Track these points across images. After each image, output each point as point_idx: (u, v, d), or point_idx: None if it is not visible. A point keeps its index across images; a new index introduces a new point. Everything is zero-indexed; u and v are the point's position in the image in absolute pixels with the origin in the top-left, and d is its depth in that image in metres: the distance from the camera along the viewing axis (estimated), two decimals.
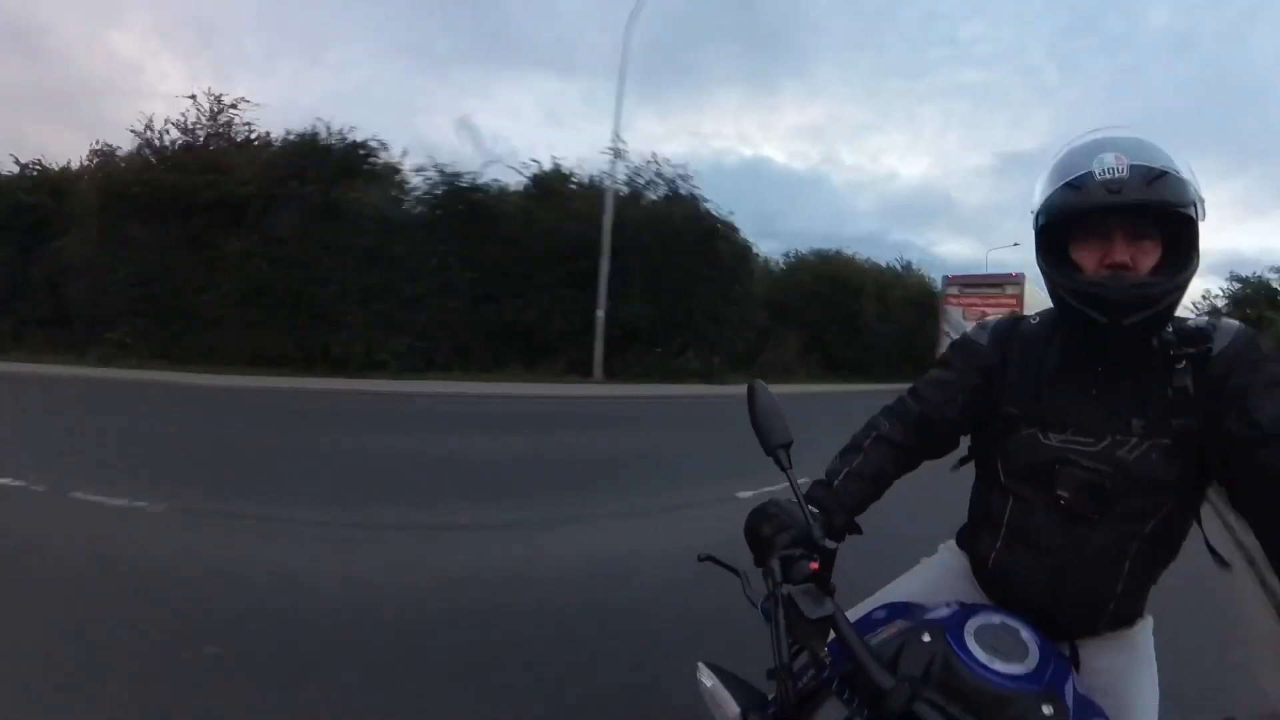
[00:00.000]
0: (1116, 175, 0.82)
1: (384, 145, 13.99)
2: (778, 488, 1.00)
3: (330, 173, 12.68)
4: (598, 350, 13.18)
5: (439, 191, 13.81)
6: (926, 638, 0.81)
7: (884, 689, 0.72)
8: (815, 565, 0.82)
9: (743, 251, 17.01)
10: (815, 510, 0.92)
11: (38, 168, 16.04)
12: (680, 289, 14.46)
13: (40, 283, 14.16)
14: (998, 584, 1.07)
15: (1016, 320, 1.07)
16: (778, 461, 0.92)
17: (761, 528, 0.88)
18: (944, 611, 0.89)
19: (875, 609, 1.05)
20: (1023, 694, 0.73)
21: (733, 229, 16.16)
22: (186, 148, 13.88)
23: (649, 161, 15.53)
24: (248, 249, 12.35)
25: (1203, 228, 0.86)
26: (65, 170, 16.16)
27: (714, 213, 15.62)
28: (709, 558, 0.99)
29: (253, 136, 14.59)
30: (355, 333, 12.50)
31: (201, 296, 12.56)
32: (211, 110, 14.46)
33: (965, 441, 1.15)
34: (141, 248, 12.85)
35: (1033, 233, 0.94)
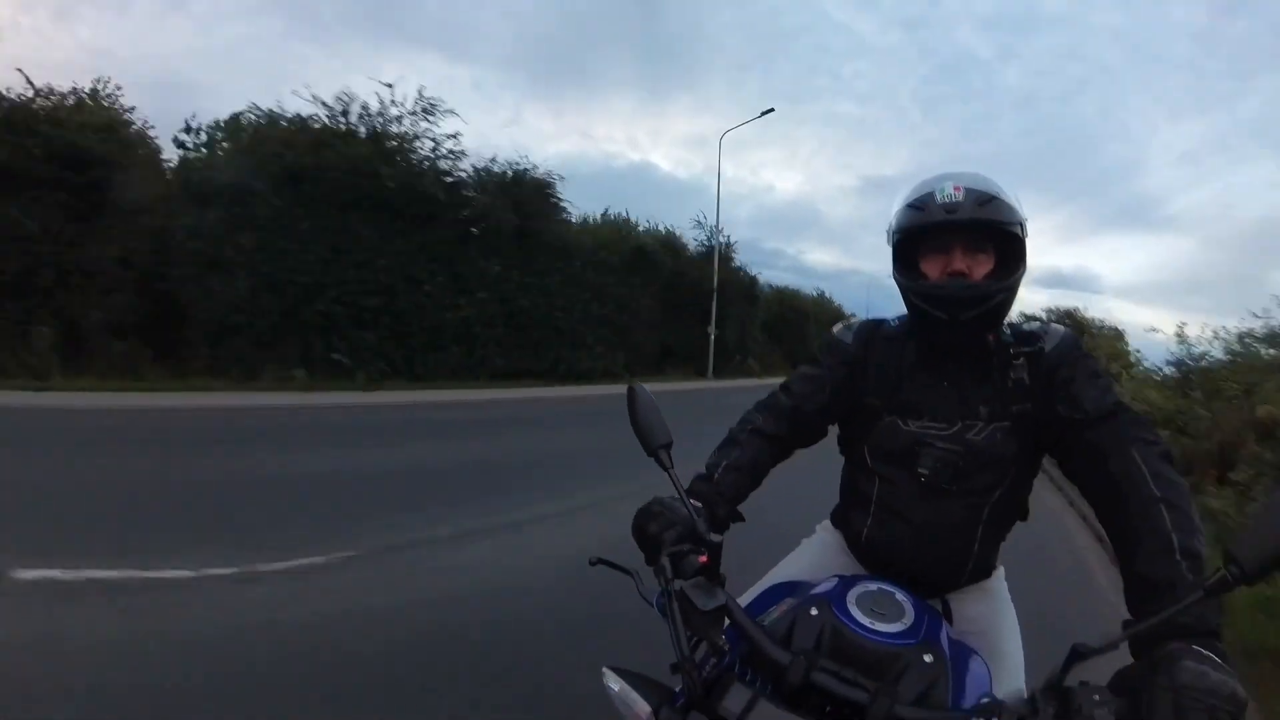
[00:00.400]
0: (954, 199, 0.97)
1: (561, 179, 15.22)
2: None
3: (534, 206, 14.29)
4: (710, 358, 19.75)
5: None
6: (814, 611, 0.85)
7: (782, 665, 0.76)
8: (703, 558, 0.84)
9: (752, 285, 23.90)
10: (699, 505, 0.96)
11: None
12: (735, 317, 21.54)
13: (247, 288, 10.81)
14: (872, 555, 1.17)
15: (878, 322, 1.19)
16: (659, 461, 0.94)
17: (648, 526, 0.91)
18: (827, 585, 0.94)
19: (764, 591, 1.10)
20: (905, 648, 0.80)
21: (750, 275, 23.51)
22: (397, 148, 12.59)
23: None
24: (503, 271, 13.47)
25: (1030, 248, 1.02)
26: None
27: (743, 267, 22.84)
28: (601, 560, 0.99)
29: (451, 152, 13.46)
30: (593, 349, 15.60)
31: (455, 313, 12.78)
32: (416, 108, 12.71)
33: (834, 431, 1.24)
34: (367, 255, 11.66)
35: (889, 249, 1.08)
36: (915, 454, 1.06)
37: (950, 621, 1.09)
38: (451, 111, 12.94)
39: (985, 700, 0.71)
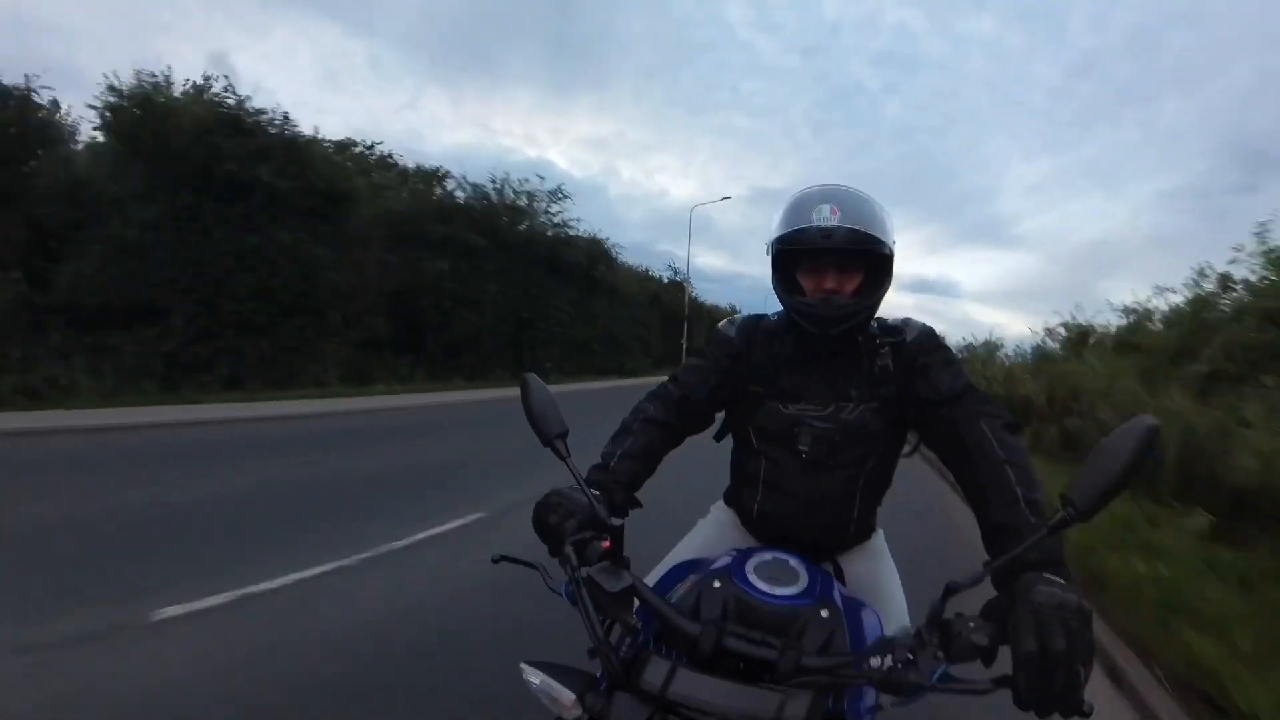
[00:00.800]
0: (829, 223, 1.04)
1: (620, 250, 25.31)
2: None
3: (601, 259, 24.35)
4: (683, 358, 22.70)
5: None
6: (717, 584, 0.89)
7: (694, 635, 0.79)
8: (607, 544, 0.86)
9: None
10: (597, 492, 0.98)
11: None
12: (699, 331, 28.21)
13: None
14: (764, 528, 1.25)
15: (759, 317, 1.26)
16: (556, 451, 0.95)
17: (549, 518, 0.93)
18: (726, 559, 0.98)
19: (667, 571, 1.13)
20: (803, 606, 0.86)
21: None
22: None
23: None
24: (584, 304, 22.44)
25: (900, 258, 1.12)
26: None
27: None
28: (503, 557, 0.98)
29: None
30: (632, 354, 25.57)
31: (579, 334, 22.01)
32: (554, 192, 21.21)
33: (720, 417, 1.32)
34: (547, 297, 20.05)
35: (769, 258, 1.15)
36: (795, 434, 1.15)
37: (842, 581, 1.19)
38: (568, 197, 21.11)
39: (879, 641, 0.77)
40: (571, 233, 21.80)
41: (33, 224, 9.62)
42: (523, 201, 19.83)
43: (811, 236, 1.05)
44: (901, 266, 1.12)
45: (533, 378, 1.00)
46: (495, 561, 0.98)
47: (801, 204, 1.08)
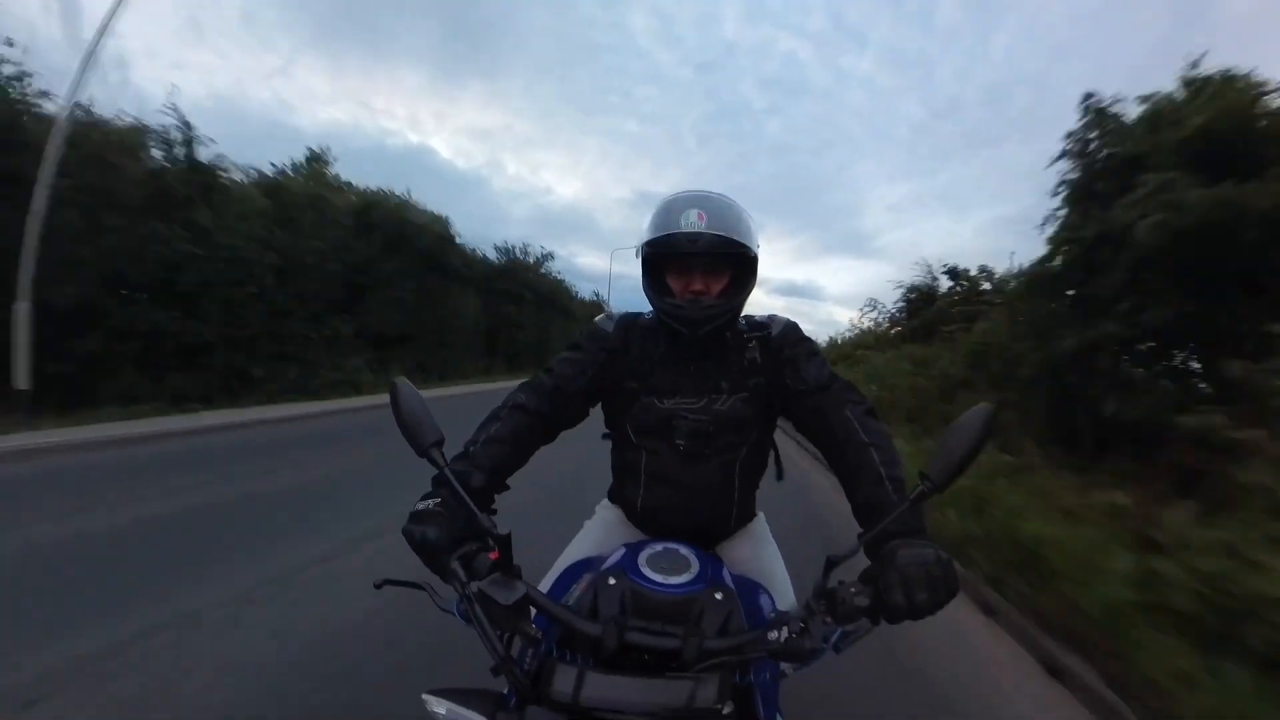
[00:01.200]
0: (697, 229, 1.09)
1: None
2: None
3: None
4: None
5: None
6: (612, 581, 0.89)
7: (596, 635, 0.79)
8: (494, 554, 0.83)
9: None
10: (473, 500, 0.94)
11: None
12: None
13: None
14: (650, 521, 1.27)
15: (636, 315, 1.30)
16: (433, 461, 0.91)
17: (426, 534, 0.88)
18: (618, 556, 0.99)
19: (560, 575, 1.13)
20: (698, 592, 0.88)
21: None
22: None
23: None
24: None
25: (771, 264, 1.28)
26: None
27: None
28: (386, 581, 0.92)
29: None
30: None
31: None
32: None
33: (595, 413, 1.31)
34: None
35: (639, 260, 1.18)
36: (671, 427, 1.18)
37: (732, 564, 1.23)
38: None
39: (773, 615, 0.81)
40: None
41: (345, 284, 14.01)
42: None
43: (679, 241, 1.09)
44: (773, 272, 1.20)
45: (403, 383, 0.95)
46: (378, 587, 0.92)
47: (670, 209, 1.12)
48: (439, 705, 0.79)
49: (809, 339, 1.23)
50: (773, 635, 0.78)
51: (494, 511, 0.99)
